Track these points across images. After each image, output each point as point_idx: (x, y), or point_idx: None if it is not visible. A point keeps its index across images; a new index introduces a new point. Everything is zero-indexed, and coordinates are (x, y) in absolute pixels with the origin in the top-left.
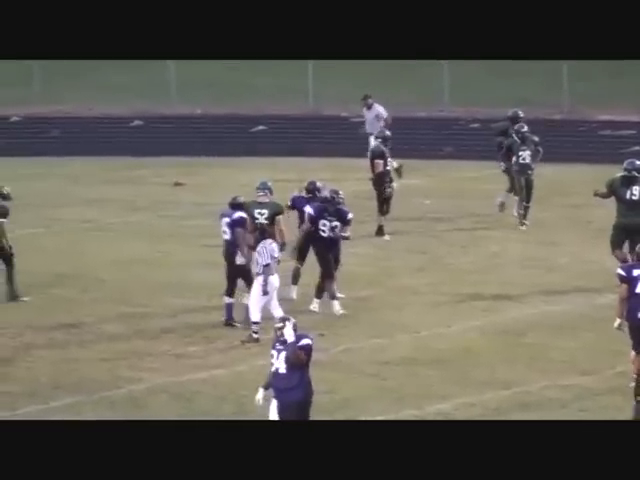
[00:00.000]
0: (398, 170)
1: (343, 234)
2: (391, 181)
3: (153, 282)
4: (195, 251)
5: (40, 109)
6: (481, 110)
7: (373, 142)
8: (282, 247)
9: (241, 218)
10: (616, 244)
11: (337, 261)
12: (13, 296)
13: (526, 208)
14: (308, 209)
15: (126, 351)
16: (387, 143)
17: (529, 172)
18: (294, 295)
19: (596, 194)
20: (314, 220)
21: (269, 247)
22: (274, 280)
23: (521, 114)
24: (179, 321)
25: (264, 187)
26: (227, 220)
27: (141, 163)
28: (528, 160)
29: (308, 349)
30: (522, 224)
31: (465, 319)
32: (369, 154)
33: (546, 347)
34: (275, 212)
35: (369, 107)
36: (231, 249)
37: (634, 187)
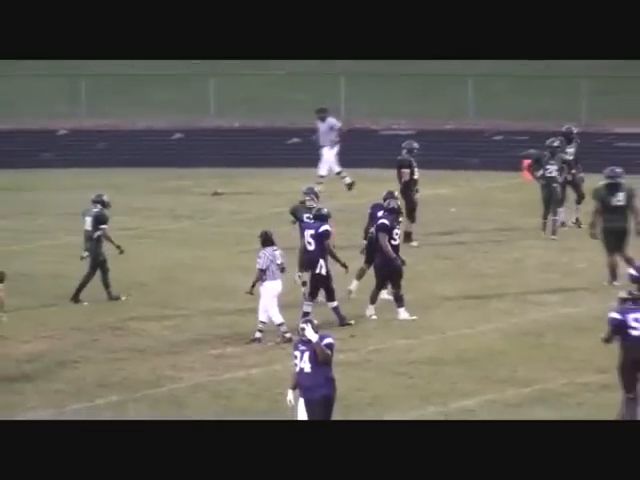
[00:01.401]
0: (350, 185)
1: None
2: (417, 190)
3: (193, 286)
4: (232, 257)
5: (86, 123)
6: (504, 123)
7: (405, 154)
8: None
9: (326, 231)
10: (609, 248)
11: (403, 262)
12: (76, 298)
13: (554, 221)
14: (383, 220)
15: (168, 352)
16: (413, 153)
17: (554, 185)
18: (353, 288)
19: (593, 226)
20: (389, 229)
21: (270, 253)
22: (276, 285)
23: (575, 130)
24: (218, 323)
25: (310, 192)
26: (312, 232)
27: (182, 174)
28: (555, 174)
29: (332, 347)
30: (543, 231)
31: (488, 321)
32: (397, 164)
33: (564, 347)
34: (327, 215)
35: (323, 120)
36: (315, 259)
37: (619, 193)
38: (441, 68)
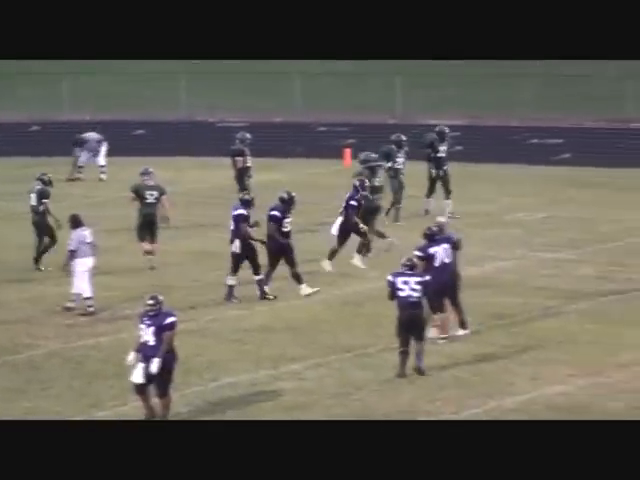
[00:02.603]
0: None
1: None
2: (250, 177)
3: (48, 262)
4: None
5: None
6: (327, 116)
7: (238, 144)
8: (167, 220)
9: (241, 214)
10: (366, 223)
11: (292, 250)
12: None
13: (398, 209)
14: (274, 212)
15: (25, 321)
16: (245, 143)
17: (402, 176)
18: (328, 267)
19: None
20: (279, 220)
21: (79, 234)
22: (87, 262)
23: (447, 130)
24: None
25: (148, 172)
26: (233, 214)
27: (40, 162)
28: (402, 166)
29: (174, 325)
30: (386, 217)
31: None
32: (231, 153)
33: (381, 316)
34: (162, 192)
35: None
36: (232, 239)
37: (377, 176)
38: (271, 67)
